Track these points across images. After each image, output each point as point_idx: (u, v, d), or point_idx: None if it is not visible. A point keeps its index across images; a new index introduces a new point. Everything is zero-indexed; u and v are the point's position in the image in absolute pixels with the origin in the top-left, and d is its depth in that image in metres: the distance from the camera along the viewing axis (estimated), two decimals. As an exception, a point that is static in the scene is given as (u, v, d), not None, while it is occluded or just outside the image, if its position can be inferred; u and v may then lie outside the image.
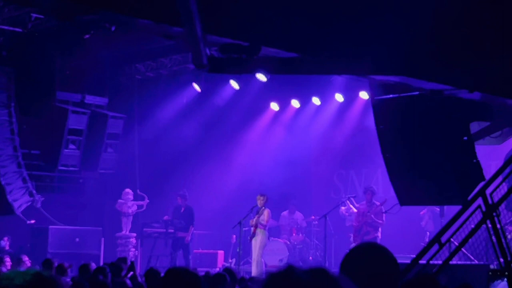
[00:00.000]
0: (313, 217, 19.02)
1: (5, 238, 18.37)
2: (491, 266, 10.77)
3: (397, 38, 8.40)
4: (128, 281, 9.67)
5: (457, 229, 9.69)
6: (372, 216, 16.35)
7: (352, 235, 17.09)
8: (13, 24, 16.82)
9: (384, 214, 16.39)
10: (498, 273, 8.67)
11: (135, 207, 19.14)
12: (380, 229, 16.52)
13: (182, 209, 18.22)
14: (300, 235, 18.84)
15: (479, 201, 9.65)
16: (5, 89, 18.03)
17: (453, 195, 11.06)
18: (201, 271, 12.82)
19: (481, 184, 10.07)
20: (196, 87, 20.47)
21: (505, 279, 8.47)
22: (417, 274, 5.85)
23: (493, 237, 9.55)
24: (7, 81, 18.05)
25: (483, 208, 9.57)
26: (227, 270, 10.47)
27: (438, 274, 8.87)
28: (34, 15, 16.42)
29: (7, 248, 18.14)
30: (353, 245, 13.37)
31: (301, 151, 20.60)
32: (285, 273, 1.87)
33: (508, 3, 9.16)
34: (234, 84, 19.91)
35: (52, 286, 2.38)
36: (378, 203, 16.51)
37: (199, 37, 6.80)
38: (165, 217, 18.44)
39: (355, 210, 17.69)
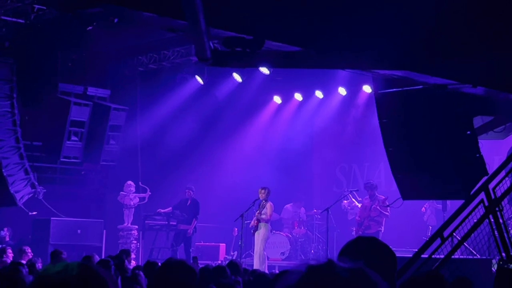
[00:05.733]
0: (315, 210, 19.01)
1: (5, 229, 18.36)
2: (493, 261, 10.77)
3: (401, 32, 8.37)
4: (141, 272, 9.51)
5: (460, 224, 9.66)
6: (378, 208, 16.35)
7: (354, 228, 17.12)
8: (16, 15, 16.78)
9: (388, 207, 16.43)
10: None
11: (137, 199, 19.13)
12: (383, 223, 16.53)
13: (189, 202, 18.23)
14: (302, 228, 18.83)
15: (482, 195, 9.64)
16: (8, 80, 17.97)
17: (456, 189, 11.05)
18: (202, 263, 12.81)
19: (484, 178, 10.05)
20: (199, 79, 20.44)
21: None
22: (424, 272, 5.83)
23: (496, 232, 9.55)
24: (9, 72, 17.99)
25: (486, 203, 9.55)
26: (231, 263, 10.46)
27: (440, 269, 8.86)
28: (37, 6, 16.38)
29: (7, 239, 18.15)
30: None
31: (304, 144, 20.58)
32: (325, 267, 1.83)
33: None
34: (237, 77, 19.87)
35: (100, 280, 2.16)
36: (382, 197, 16.51)
37: (203, 30, 6.77)
38: (158, 210, 18.45)
39: (357, 203, 17.68)
